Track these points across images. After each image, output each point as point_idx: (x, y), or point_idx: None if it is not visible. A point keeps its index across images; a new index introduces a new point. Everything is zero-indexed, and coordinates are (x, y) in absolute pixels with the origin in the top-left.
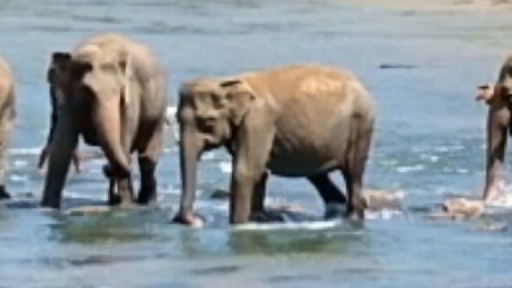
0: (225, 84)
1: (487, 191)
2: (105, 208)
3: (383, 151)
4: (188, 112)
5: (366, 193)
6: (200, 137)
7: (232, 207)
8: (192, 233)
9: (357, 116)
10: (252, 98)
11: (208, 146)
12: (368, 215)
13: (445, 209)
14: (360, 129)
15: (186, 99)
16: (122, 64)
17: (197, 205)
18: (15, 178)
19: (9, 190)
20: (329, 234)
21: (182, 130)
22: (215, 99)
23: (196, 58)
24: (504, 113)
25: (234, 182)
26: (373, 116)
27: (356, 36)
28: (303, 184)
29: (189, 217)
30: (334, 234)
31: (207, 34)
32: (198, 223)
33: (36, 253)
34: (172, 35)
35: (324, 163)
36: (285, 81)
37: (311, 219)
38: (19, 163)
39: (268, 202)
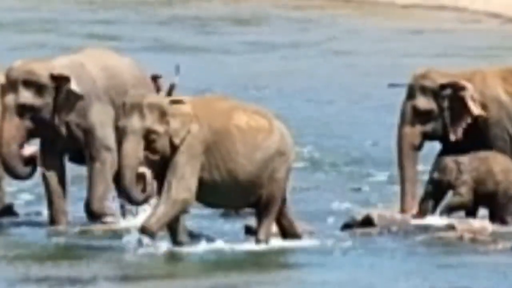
0: (173, 102)
1: (406, 204)
2: (113, 226)
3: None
4: (133, 122)
5: (375, 212)
6: (141, 149)
7: (152, 216)
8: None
9: (282, 154)
10: (191, 121)
11: (148, 161)
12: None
13: (453, 228)
14: (281, 168)
15: (135, 109)
16: (26, 83)
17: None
18: (23, 196)
19: (17, 208)
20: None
21: (124, 139)
22: (162, 115)
23: (202, 76)
24: (416, 130)
25: (164, 203)
26: (294, 155)
27: (364, 55)
28: None
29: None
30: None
31: (213, 52)
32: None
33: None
34: (178, 54)
35: (247, 197)
36: (218, 110)
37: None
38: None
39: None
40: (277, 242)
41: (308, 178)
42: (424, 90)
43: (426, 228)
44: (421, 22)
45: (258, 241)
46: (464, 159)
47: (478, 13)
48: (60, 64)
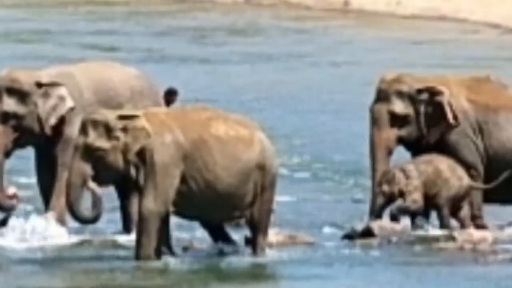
0: (122, 117)
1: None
2: (113, 237)
3: None
4: (79, 139)
5: (375, 223)
6: (87, 166)
7: (138, 242)
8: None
9: (262, 168)
10: (147, 134)
11: (102, 177)
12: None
13: (453, 238)
14: (264, 182)
15: (82, 126)
16: (10, 90)
17: None
18: (21, 207)
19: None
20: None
21: (73, 155)
22: (108, 130)
23: (201, 87)
24: (392, 135)
25: (141, 217)
26: (276, 168)
27: (363, 65)
28: None
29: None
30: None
31: (212, 63)
32: None
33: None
34: (177, 65)
35: (227, 210)
36: (195, 120)
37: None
38: (23, 193)
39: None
40: (274, 253)
41: (308, 188)
42: (401, 95)
43: (426, 239)
44: (421, 32)
45: (255, 254)
46: (410, 165)
47: (478, 23)
48: (49, 74)
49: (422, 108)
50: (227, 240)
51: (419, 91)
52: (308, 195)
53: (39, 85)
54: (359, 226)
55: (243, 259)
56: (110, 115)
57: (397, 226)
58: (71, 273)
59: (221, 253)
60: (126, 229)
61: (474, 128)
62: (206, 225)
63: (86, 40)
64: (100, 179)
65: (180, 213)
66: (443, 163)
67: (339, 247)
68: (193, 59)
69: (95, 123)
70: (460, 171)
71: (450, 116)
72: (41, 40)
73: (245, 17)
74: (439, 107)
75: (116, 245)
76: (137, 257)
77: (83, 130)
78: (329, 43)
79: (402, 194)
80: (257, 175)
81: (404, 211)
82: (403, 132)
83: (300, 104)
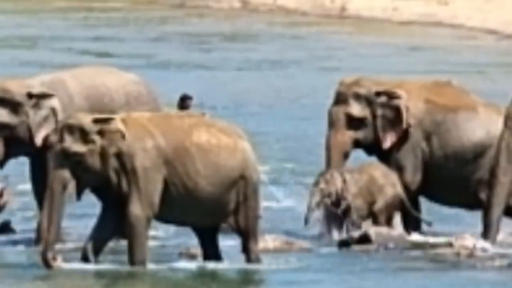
0: (97, 121)
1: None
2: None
3: None
4: (57, 145)
5: (372, 229)
6: (66, 172)
7: (131, 249)
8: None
9: (243, 177)
10: (123, 137)
11: (82, 182)
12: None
13: (450, 245)
14: (246, 190)
15: (58, 132)
16: (1, 101)
17: None
18: (20, 213)
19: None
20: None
21: (52, 161)
22: (84, 134)
23: (198, 93)
24: (348, 138)
25: (129, 224)
26: (258, 177)
27: (360, 71)
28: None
29: (49, 257)
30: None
31: (210, 69)
32: (58, 262)
33: None
34: (174, 71)
35: (208, 217)
36: (178, 127)
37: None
38: (23, 199)
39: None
40: (270, 260)
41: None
42: (359, 97)
43: (423, 245)
44: (418, 38)
45: (250, 261)
46: (346, 174)
47: (475, 29)
48: (41, 81)
49: (379, 111)
50: (216, 256)
51: (378, 94)
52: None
53: (31, 96)
54: (356, 233)
55: (239, 266)
56: (85, 119)
57: (394, 232)
58: (67, 278)
59: (217, 260)
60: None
61: (427, 133)
62: (198, 235)
63: (83, 46)
64: (80, 184)
65: (160, 218)
66: (377, 171)
67: (335, 254)
68: (190, 65)
69: (71, 128)
70: (394, 178)
71: (406, 119)
72: (38, 47)
73: (242, 23)
74: (396, 110)
75: (109, 251)
76: (132, 263)
77: (60, 136)
78: (325, 49)
79: (338, 196)
80: (239, 184)
81: (354, 223)
82: (359, 134)
83: (298, 110)
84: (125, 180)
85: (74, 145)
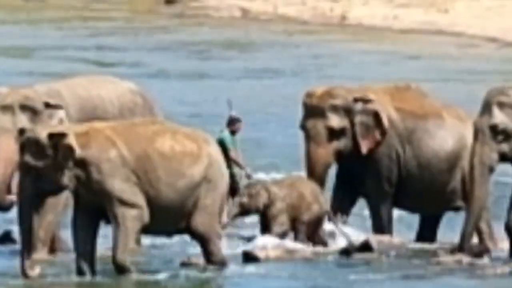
0: (52, 135)
1: None
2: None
3: None
4: (19, 158)
5: (373, 237)
6: (30, 183)
7: (118, 246)
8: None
9: (208, 182)
10: (72, 153)
11: (45, 193)
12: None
13: (451, 252)
14: (210, 195)
15: (20, 144)
16: (23, 107)
17: None
18: None
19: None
20: None
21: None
22: (40, 148)
23: (198, 102)
24: (330, 149)
25: (120, 227)
26: (226, 182)
27: (360, 80)
28: None
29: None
30: None
31: (210, 78)
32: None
33: None
34: (174, 79)
35: (174, 224)
36: (141, 134)
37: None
38: None
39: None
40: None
41: None
42: (336, 109)
43: (424, 252)
44: (418, 46)
45: (211, 263)
46: (274, 187)
47: (475, 37)
48: (36, 91)
49: (357, 119)
50: None
51: (355, 100)
52: None
53: (48, 105)
54: (357, 241)
55: (240, 275)
56: (42, 133)
57: (395, 240)
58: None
59: (219, 269)
60: None
61: (401, 137)
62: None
63: (82, 55)
64: (47, 193)
65: None
66: (306, 188)
67: (337, 262)
68: (190, 74)
69: (29, 142)
70: (321, 197)
71: (386, 122)
72: (36, 56)
73: (242, 32)
74: (375, 115)
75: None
76: (116, 265)
77: (21, 150)
78: (326, 57)
79: (263, 214)
80: (203, 188)
81: (279, 235)
82: (341, 145)
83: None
84: (96, 192)
85: (32, 160)
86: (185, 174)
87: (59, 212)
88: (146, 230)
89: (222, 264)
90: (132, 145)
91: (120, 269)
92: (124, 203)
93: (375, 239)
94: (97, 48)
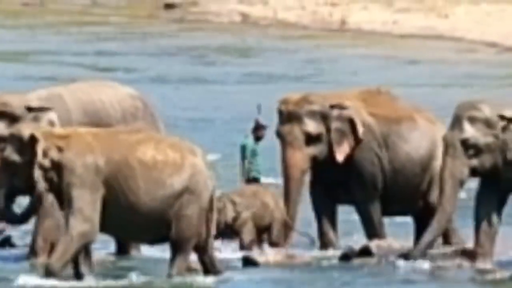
0: (32, 136)
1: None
2: (111, 258)
3: None
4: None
5: (373, 242)
6: (5, 179)
7: (56, 253)
8: None
9: (191, 192)
10: (35, 155)
11: (15, 190)
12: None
13: (452, 257)
14: (192, 206)
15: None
16: (0, 114)
17: None
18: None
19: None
20: None
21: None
22: (21, 145)
23: (198, 107)
24: (305, 155)
25: (66, 234)
26: (209, 195)
27: (361, 84)
28: None
29: None
30: None
31: (210, 83)
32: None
33: None
34: (174, 85)
35: (153, 233)
36: (123, 142)
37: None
38: None
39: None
40: (274, 273)
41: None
42: (313, 114)
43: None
44: (418, 51)
45: (169, 276)
46: (237, 198)
47: (475, 42)
48: (38, 96)
49: (333, 125)
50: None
51: (332, 107)
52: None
53: (30, 109)
54: (357, 246)
55: (240, 280)
56: (26, 132)
57: (395, 245)
58: None
59: (220, 275)
60: (121, 251)
61: (379, 141)
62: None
63: (81, 60)
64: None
65: (105, 232)
66: (267, 196)
67: (337, 267)
68: (190, 79)
69: (12, 137)
70: (281, 203)
71: (360, 129)
72: (40, 61)
73: (242, 37)
74: (350, 122)
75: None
76: (50, 262)
77: (3, 144)
78: (325, 62)
79: (231, 227)
80: (185, 198)
81: (246, 246)
82: (316, 151)
83: None
84: (64, 194)
85: (12, 155)
86: (166, 183)
87: (56, 216)
88: (126, 238)
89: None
90: (111, 153)
91: (47, 274)
92: (80, 215)
93: (374, 244)
94: (96, 53)
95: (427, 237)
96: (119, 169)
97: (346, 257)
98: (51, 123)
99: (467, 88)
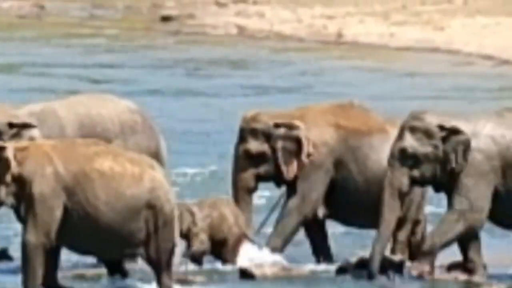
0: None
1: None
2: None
3: None
4: None
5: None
6: None
7: (24, 275)
8: None
9: (152, 207)
10: (9, 166)
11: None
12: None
13: (448, 269)
14: (156, 221)
15: None
16: None
17: None
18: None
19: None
20: None
21: None
22: None
23: (194, 120)
24: (249, 174)
25: (24, 250)
26: (171, 208)
27: (356, 97)
28: None
29: None
30: None
31: (207, 96)
32: None
33: None
34: (170, 98)
35: (115, 246)
36: (81, 154)
37: None
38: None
39: None
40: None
41: None
42: (256, 133)
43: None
44: (414, 64)
45: None
46: (195, 208)
47: (471, 55)
48: (30, 111)
49: (278, 144)
50: (123, 274)
51: (277, 125)
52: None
53: (11, 125)
54: (354, 258)
55: None
56: None
57: (393, 258)
58: None
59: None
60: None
61: (340, 160)
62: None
63: (77, 72)
64: None
65: (68, 247)
66: (227, 208)
67: (334, 280)
68: (187, 92)
69: None
70: (241, 218)
71: (306, 150)
72: (35, 74)
73: (239, 50)
74: (297, 141)
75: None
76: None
77: None
78: (322, 75)
79: (186, 236)
80: (147, 214)
81: (195, 255)
82: (261, 170)
83: None
84: (23, 206)
85: None
86: (125, 195)
87: None
88: (89, 251)
89: None
90: (69, 163)
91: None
92: (36, 229)
93: None
94: (92, 66)
95: (376, 249)
96: (77, 179)
97: (342, 270)
98: (32, 140)
99: (464, 101)
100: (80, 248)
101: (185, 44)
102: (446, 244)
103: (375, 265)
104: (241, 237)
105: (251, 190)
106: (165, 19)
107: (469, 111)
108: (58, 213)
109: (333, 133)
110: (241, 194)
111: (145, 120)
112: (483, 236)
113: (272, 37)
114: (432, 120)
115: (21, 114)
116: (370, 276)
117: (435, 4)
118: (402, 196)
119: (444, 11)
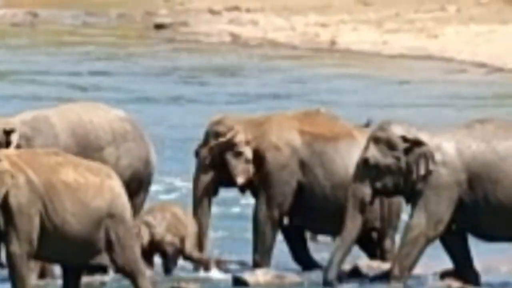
0: None
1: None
2: (105, 278)
3: None
4: None
5: (364, 263)
6: None
7: (14, 286)
8: None
9: (112, 216)
10: (12, 176)
11: None
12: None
13: (441, 277)
14: (117, 230)
15: None
16: None
17: None
18: None
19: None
20: None
21: None
22: None
23: (188, 127)
24: (209, 178)
25: (9, 262)
26: (129, 217)
27: (349, 106)
28: None
29: None
30: None
31: (201, 103)
32: None
33: None
34: (164, 105)
35: (81, 256)
36: (45, 164)
37: None
38: None
39: None
40: None
41: None
42: (218, 137)
43: (414, 277)
44: (407, 72)
45: None
46: (149, 217)
47: (465, 63)
48: (22, 120)
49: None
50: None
51: (219, 134)
52: None
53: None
54: (347, 266)
55: None
56: None
57: (386, 266)
58: None
59: None
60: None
61: (305, 163)
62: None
63: (71, 80)
64: None
65: (36, 256)
66: (176, 208)
67: None
68: (180, 99)
69: None
70: (190, 216)
71: (247, 153)
72: (28, 81)
73: (232, 57)
74: (235, 146)
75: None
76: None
77: None
78: (315, 82)
79: (145, 250)
80: (108, 223)
81: (173, 260)
82: (220, 174)
83: None
84: (1, 218)
85: None
86: (90, 205)
87: None
88: (54, 260)
89: None
90: (38, 173)
91: None
92: (18, 239)
93: (365, 264)
94: (85, 73)
95: (336, 257)
96: (46, 189)
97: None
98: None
99: (457, 108)
100: (44, 257)
101: (179, 52)
102: (414, 264)
103: (332, 272)
104: (196, 234)
105: (210, 193)
106: (159, 27)
107: (460, 119)
108: (37, 219)
109: (297, 136)
110: (200, 197)
111: (136, 128)
112: (477, 244)
113: (266, 44)
114: (396, 131)
115: (13, 122)
116: (326, 284)
117: (428, 12)
118: (364, 206)
119: (438, 19)
